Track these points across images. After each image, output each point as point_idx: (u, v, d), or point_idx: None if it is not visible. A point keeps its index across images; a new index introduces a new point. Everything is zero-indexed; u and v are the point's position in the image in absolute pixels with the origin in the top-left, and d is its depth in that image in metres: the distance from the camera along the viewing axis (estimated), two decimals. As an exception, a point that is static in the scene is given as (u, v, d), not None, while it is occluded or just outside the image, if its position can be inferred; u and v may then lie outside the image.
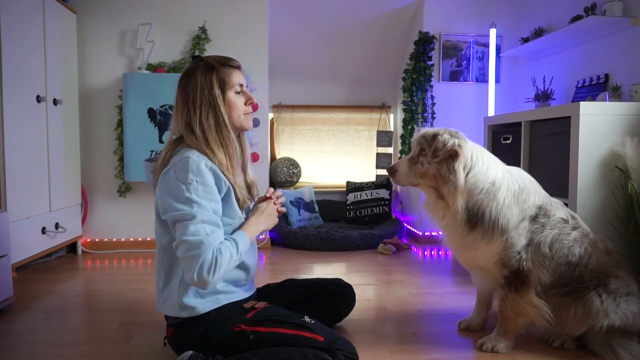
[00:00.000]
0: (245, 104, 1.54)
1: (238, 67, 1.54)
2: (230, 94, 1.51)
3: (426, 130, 1.67)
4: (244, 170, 1.60)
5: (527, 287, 1.60)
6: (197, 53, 3.25)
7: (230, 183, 1.45)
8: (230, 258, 1.36)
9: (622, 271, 1.64)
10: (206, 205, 1.36)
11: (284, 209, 1.66)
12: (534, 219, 1.61)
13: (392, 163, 1.64)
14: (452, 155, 1.57)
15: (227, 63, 1.51)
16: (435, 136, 1.61)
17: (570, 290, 1.60)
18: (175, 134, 1.53)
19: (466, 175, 1.57)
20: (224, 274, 1.38)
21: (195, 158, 1.38)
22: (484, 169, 1.60)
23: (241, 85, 1.53)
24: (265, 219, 1.58)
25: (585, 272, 1.59)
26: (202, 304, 1.44)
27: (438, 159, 1.59)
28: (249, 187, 1.60)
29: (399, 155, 3.76)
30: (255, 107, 1.62)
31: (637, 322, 1.57)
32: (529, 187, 1.65)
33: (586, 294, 1.57)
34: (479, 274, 1.78)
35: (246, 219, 1.55)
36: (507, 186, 1.61)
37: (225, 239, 1.41)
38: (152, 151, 3.13)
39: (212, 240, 1.33)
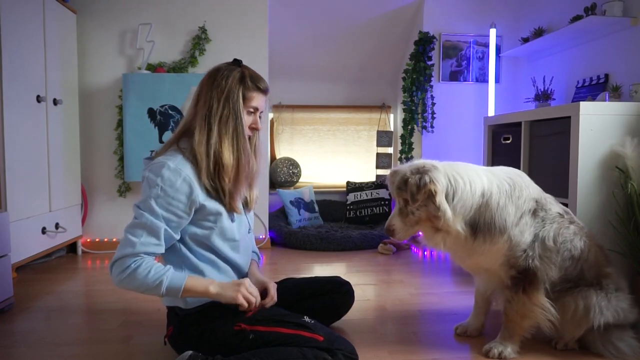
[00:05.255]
0: (249, 125, 1.52)
1: (264, 91, 1.52)
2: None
3: (397, 175, 1.60)
4: (250, 185, 1.58)
5: (535, 287, 1.57)
6: (197, 53, 3.26)
7: (222, 187, 1.44)
8: (142, 280, 1.32)
9: (611, 267, 1.67)
10: (159, 213, 1.36)
11: (257, 307, 1.46)
12: (534, 213, 1.59)
13: (390, 213, 1.54)
14: (430, 194, 1.51)
15: (256, 83, 1.50)
16: (406, 182, 1.55)
17: (572, 287, 1.60)
18: (183, 127, 1.50)
19: (453, 202, 1.53)
20: (133, 287, 1.34)
21: (173, 166, 1.37)
22: (467, 186, 1.55)
23: (256, 109, 1.52)
24: (229, 288, 1.40)
25: (585, 266, 1.60)
26: (192, 300, 1.45)
27: (419, 203, 1.53)
28: (246, 201, 1.59)
29: (399, 155, 3.76)
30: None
31: (628, 316, 1.61)
32: (519, 183, 1.62)
33: (586, 290, 1.58)
34: (483, 276, 1.75)
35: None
36: (498, 189, 1.57)
37: (163, 266, 1.37)
38: (152, 151, 3.12)
39: (139, 246, 1.34)
